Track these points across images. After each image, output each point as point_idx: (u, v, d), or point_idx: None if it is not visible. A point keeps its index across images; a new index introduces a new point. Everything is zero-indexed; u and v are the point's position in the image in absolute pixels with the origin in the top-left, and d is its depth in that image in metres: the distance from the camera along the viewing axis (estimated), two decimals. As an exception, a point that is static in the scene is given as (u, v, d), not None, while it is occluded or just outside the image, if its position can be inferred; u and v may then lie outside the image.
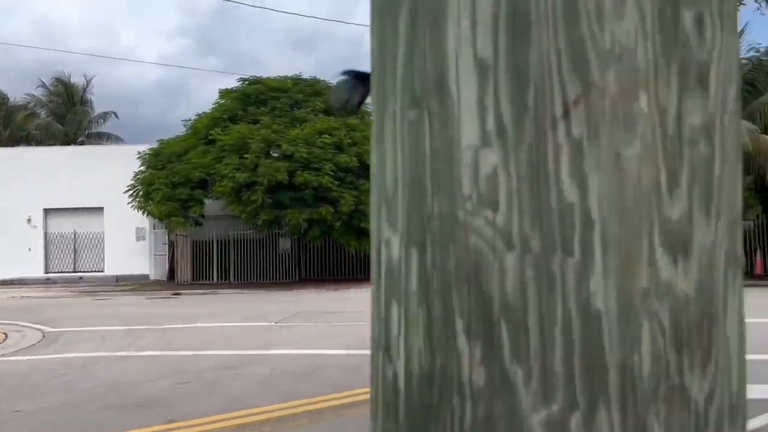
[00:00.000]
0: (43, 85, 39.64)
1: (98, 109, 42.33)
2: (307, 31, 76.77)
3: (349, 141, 20.57)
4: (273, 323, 11.53)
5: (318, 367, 7.61)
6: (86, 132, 40.99)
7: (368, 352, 0.69)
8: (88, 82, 41.32)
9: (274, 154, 19.50)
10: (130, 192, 21.31)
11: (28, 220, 26.50)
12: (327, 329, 10.52)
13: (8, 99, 38.59)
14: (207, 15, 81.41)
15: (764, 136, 16.85)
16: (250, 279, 23.35)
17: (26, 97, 39.89)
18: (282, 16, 78.48)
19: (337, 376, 7.09)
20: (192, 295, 19.05)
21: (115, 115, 41.76)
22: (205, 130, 20.86)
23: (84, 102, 41.01)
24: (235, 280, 23.43)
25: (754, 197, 22.56)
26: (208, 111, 21.94)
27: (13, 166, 26.30)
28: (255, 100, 21.81)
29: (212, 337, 10.08)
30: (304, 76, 23.24)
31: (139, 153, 22.05)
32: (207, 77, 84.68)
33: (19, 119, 38.75)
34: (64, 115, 40.30)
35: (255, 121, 20.63)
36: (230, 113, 21.42)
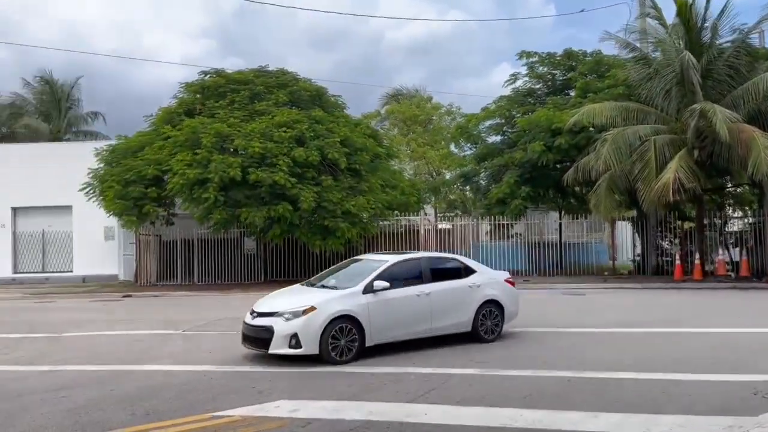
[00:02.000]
0: (28, 84, 39.09)
1: (86, 108, 41.77)
2: (328, 30, 76.18)
3: (312, 134, 19.48)
4: (181, 331, 10.51)
5: (161, 388, 6.57)
6: (73, 130, 40.45)
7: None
8: (76, 81, 40.67)
9: (230, 150, 18.49)
10: (86, 190, 20.41)
11: (-6, 219, 25.81)
12: (223, 340, 9.47)
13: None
14: (229, 16, 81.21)
15: (746, 125, 15.47)
16: (215, 280, 22.39)
17: (12, 95, 39.37)
18: (303, 17, 78.04)
19: (173, 399, 6.05)
20: (142, 298, 18.13)
21: (102, 115, 41.12)
22: (161, 125, 19.93)
23: (70, 101, 40.41)
24: (199, 281, 22.49)
25: (751, 192, 21.09)
26: (167, 105, 21.00)
27: (-19, 163, 25.60)
28: (214, 93, 20.84)
29: (97, 349, 9.10)
30: (270, 68, 22.23)
31: (95, 149, 21.17)
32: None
33: (3, 117, 38.29)
34: (50, 114, 39.79)
35: (212, 116, 19.66)
36: (187, 107, 20.46)
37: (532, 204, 22.69)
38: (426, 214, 30.22)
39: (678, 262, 17.94)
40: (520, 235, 22.86)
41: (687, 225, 20.44)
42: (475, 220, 22.98)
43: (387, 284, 8.07)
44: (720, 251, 18.19)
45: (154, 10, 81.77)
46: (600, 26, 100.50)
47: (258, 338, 7.69)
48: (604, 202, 17.18)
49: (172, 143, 18.99)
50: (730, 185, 21.09)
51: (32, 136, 37.23)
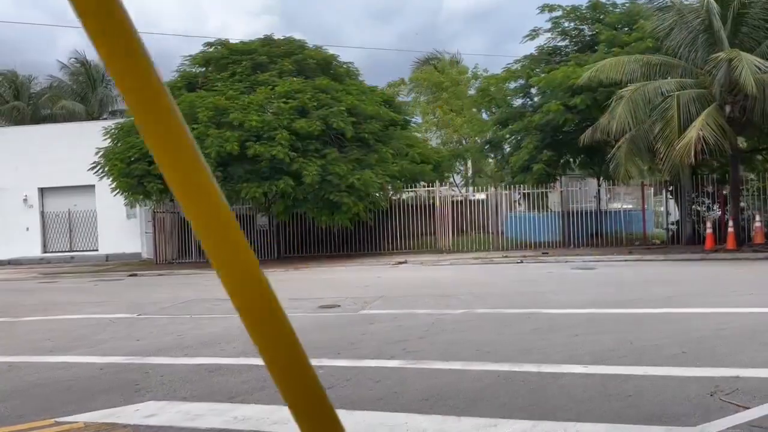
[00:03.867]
0: (65, 66, 39.72)
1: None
2: (386, 2, 75.53)
3: (315, 104, 18.64)
4: (137, 315, 10.00)
5: (43, 384, 5.98)
6: (110, 110, 40.98)
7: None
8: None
9: (228, 123, 17.88)
10: (96, 169, 20.29)
11: (25, 200, 26.28)
12: (169, 325, 8.88)
13: (31, 79, 39.05)
14: None
15: (780, 76, 13.64)
16: (229, 257, 22.05)
17: (50, 77, 40.14)
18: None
19: (38, 398, 5.44)
20: (147, 277, 17.95)
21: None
22: (163, 100, 19.48)
23: (105, 80, 40.86)
24: (213, 259, 22.21)
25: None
26: (171, 80, 20.52)
27: (8, 145, 26.04)
28: (217, 65, 20.24)
29: (33, 335, 8.66)
30: (276, 36, 21.43)
31: (104, 128, 21.00)
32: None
33: (42, 99, 39.09)
34: (86, 95, 40.40)
35: (212, 88, 19.08)
36: (188, 80, 19.94)
37: (557, 170, 21.23)
38: (452, 183, 29.12)
39: (709, 230, 16.30)
40: (548, 207, 21.51)
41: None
42: (508, 189, 21.62)
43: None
44: (757, 217, 16.40)
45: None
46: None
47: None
48: (624, 165, 15.69)
49: (173, 118, 18.52)
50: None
51: (69, 117, 37.94)
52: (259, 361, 5.71)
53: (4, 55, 57.63)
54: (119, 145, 19.55)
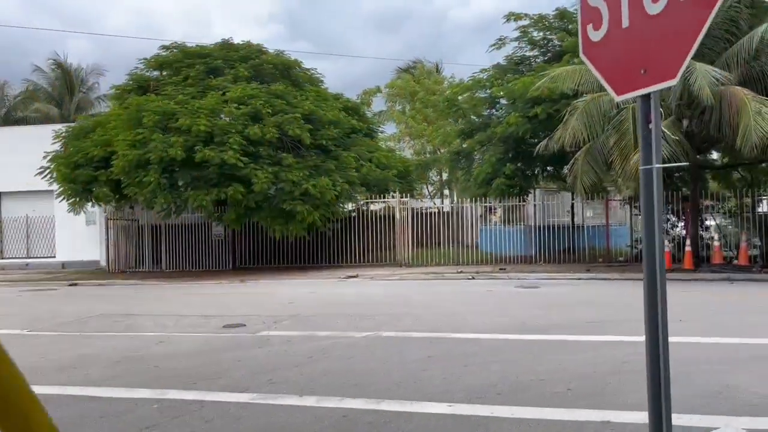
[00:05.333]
0: (38, 69, 39.17)
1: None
2: (391, 12, 75.54)
3: (269, 110, 18.01)
4: (24, 332, 9.29)
5: None
6: (83, 114, 40.33)
7: None
8: (91, 67, 40.56)
9: (175, 129, 17.23)
10: (44, 174, 19.63)
11: (-18, 205, 25.60)
12: (52, 345, 8.20)
13: (3, 83, 38.49)
14: (297, 1, 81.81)
15: (737, 88, 13.01)
16: (183, 267, 21.39)
17: (25, 81, 39.56)
18: (368, 1, 77.71)
19: None
20: (86, 287, 17.23)
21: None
22: (113, 103, 18.90)
23: (84, 86, 40.32)
24: (167, 268, 21.55)
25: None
26: (122, 83, 19.91)
27: (-33, 148, 25.37)
28: (171, 69, 19.62)
29: None
30: (235, 41, 20.84)
31: (54, 131, 20.35)
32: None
33: (15, 102, 38.51)
34: (63, 99, 39.81)
35: (161, 92, 18.45)
36: (139, 83, 19.31)
37: (525, 183, 20.58)
38: (421, 194, 28.48)
39: (666, 248, 15.63)
40: (523, 221, 20.88)
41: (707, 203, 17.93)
42: (473, 202, 20.93)
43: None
44: (715, 237, 15.74)
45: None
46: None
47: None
48: (580, 179, 15.05)
49: (120, 122, 17.91)
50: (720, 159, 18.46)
51: (44, 120, 37.32)
52: (94, 392, 4.97)
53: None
54: (67, 149, 18.90)
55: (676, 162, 13.66)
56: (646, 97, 2.55)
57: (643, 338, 7.52)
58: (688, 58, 2.43)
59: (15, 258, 25.46)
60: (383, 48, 71.64)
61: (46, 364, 7.02)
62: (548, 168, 20.94)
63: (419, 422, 4.76)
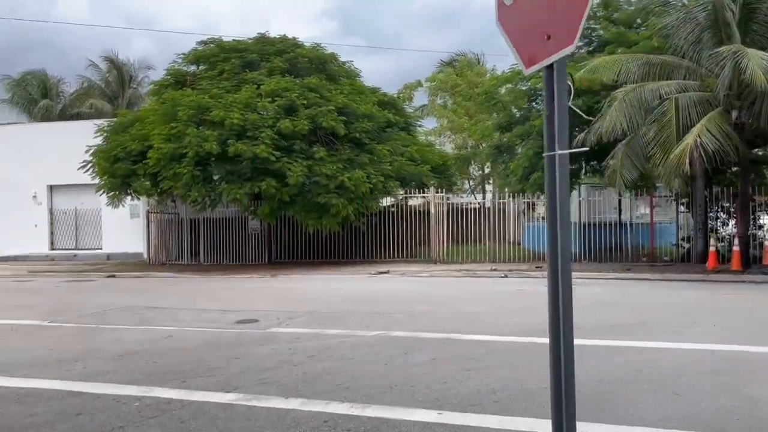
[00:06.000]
0: (93, 65, 40.29)
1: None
2: (444, 5, 75.36)
3: (304, 102, 17.89)
4: (46, 323, 9.41)
5: None
6: (135, 110, 41.35)
7: None
8: (141, 63, 41.53)
9: (209, 122, 17.32)
10: (85, 167, 20.07)
11: (34, 197, 26.46)
12: (68, 336, 8.25)
13: (60, 79, 39.82)
14: None
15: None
16: (220, 260, 21.58)
17: (80, 77, 40.79)
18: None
19: None
20: (123, 279, 17.55)
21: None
22: (150, 99, 19.17)
23: (135, 81, 41.30)
24: (205, 261, 21.79)
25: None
26: (161, 78, 20.18)
27: (20, 142, 26.26)
28: (208, 63, 19.76)
29: None
30: (271, 35, 20.82)
31: (96, 125, 20.79)
32: (349, 56, 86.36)
33: (70, 99, 39.79)
34: (117, 95, 40.90)
35: (199, 87, 18.58)
36: (176, 78, 19.51)
37: (570, 178, 19.81)
38: (459, 189, 27.94)
39: (712, 248, 14.76)
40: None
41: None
42: (512, 197, 20.31)
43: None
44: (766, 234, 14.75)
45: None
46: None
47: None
48: (619, 173, 14.34)
49: (154, 117, 18.13)
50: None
51: (98, 116, 38.44)
52: (82, 388, 4.88)
53: (38, 54, 59.64)
54: (108, 143, 19.27)
55: (727, 157, 12.87)
56: (550, 69, 2.21)
57: (666, 344, 7.04)
58: (584, 19, 2.10)
59: (64, 249, 26.23)
60: (436, 42, 71.11)
61: (49, 356, 7.03)
62: (591, 162, 20.14)
63: (402, 430, 4.46)
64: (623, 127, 13.65)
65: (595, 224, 19.36)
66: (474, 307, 10.44)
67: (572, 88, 2.43)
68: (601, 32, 20.22)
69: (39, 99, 38.60)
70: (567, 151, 2.22)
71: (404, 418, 4.70)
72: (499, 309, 10.15)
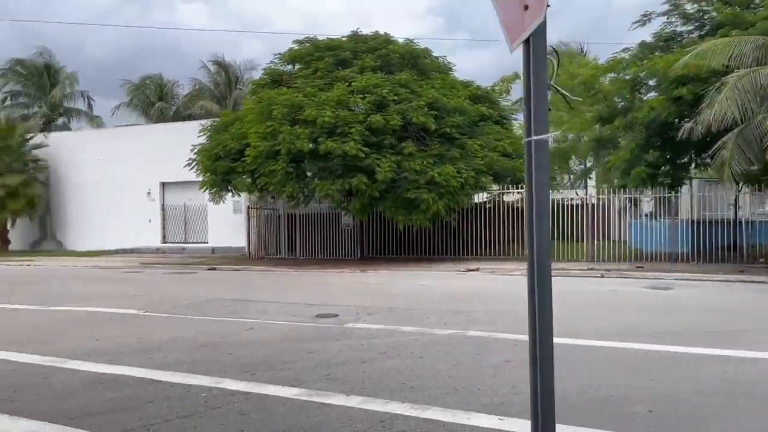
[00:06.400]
0: (204, 67, 42.49)
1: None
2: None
3: (394, 98, 17.92)
4: (141, 312, 9.97)
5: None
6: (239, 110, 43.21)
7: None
8: (246, 64, 43.30)
9: (302, 120, 17.72)
10: (190, 165, 21.16)
11: (148, 193, 28.30)
12: (157, 326, 8.70)
13: (173, 82, 42.39)
14: None
15: None
16: (315, 255, 22.08)
17: (192, 80, 43.18)
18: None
19: None
20: (224, 272, 18.34)
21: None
22: (248, 98, 19.89)
23: (240, 83, 43.15)
24: (301, 256, 22.38)
25: None
26: (258, 78, 20.87)
27: (136, 142, 28.19)
28: (303, 62, 20.22)
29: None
30: (364, 32, 20.97)
31: (200, 125, 21.84)
32: (453, 51, 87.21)
33: (183, 101, 42.22)
34: (225, 96, 42.96)
35: (294, 85, 19.06)
36: (273, 77, 20.09)
37: (675, 173, 18.58)
38: (555, 183, 26.83)
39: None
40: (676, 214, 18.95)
41: None
42: (613, 193, 19.30)
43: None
44: None
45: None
46: None
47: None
48: (728, 165, 13.21)
49: (256, 115, 18.78)
50: None
51: (207, 116, 40.56)
52: (159, 376, 5.14)
53: (159, 60, 63.62)
54: (211, 142, 20.20)
55: None
56: (526, 43, 1.97)
57: (763, 355, 6.37)
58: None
59: (174, 243, 27.90)
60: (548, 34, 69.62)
61: (136, 344, 7.41)
62: (702, 155, 18.74)
63: (451, 437, 4.29)
64: (734, 115, 12.55)
65: (708, 222, 18.03)
66: (559, 308, 9.96)
67: (556, 66, 2.17)
68: (714, 14, 18.76)
69: (155, 101, 41.32)
70: (544, 136, 1.99)
71: (462, 422, 4.53)
72: (586, 311, 9.63)
